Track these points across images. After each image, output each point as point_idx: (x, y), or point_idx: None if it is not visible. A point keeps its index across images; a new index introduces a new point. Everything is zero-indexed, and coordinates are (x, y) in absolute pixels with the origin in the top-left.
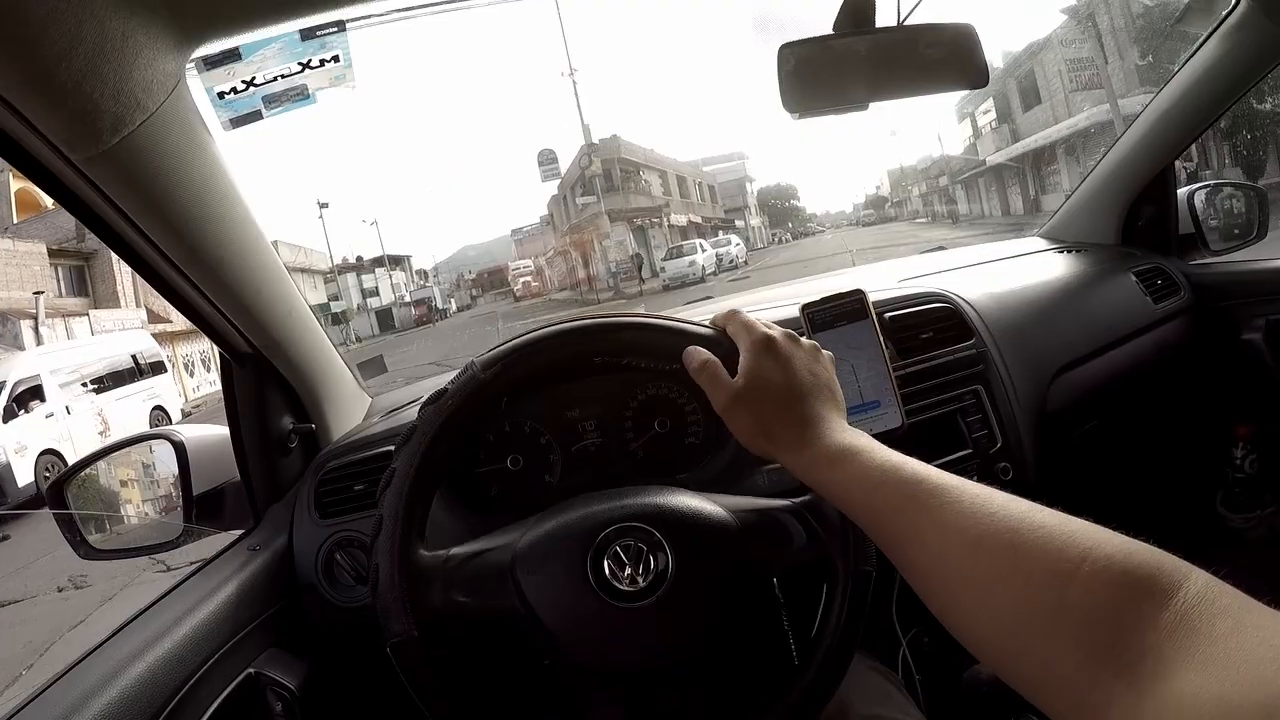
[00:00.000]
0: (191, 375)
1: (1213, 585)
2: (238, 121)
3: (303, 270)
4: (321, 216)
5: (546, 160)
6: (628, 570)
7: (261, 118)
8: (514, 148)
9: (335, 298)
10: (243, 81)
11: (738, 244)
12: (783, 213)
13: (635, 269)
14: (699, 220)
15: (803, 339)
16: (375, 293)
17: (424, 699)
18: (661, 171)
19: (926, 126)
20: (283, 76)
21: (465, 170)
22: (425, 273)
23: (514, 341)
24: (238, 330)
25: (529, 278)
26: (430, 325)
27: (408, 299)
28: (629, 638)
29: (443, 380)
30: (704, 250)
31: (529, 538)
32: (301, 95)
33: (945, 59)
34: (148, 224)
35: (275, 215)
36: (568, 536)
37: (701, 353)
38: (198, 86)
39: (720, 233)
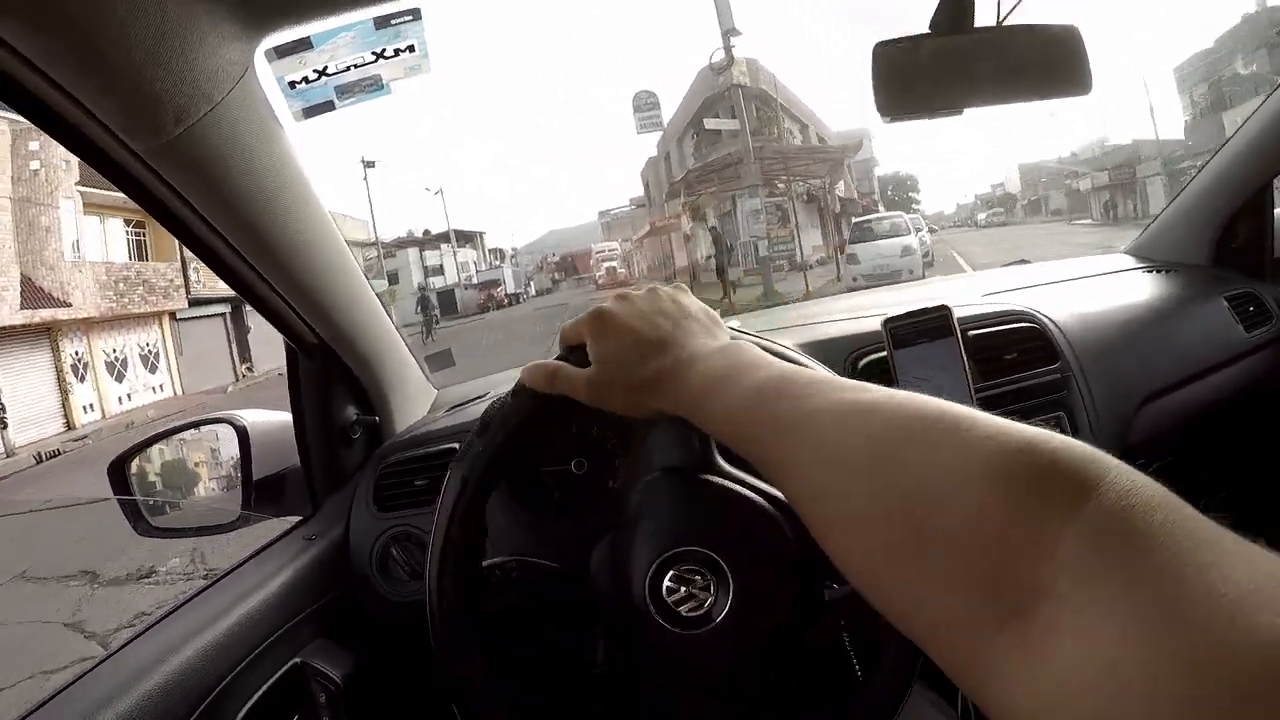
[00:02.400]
0: (119, 379)
1: (1140, 488)
2: (310, 112)
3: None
4: (366, 177)
5: (645, 104)
6: (685, 591)
7: (334, 108)
8: (607, 119)
9: (375, 274)
10: (314, 71)
11: (921, 228)
12: (900, 206)
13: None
14: (855, 196)
15: (646, 289)
16: (439, 270)
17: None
18: (804, 125)
19: (1100, 106)
20: (356, 66)
21: (552, 145)
22: (501, 252)
23: None
24: (304, 321)
25: (614, 263)
26: (496, 312)
27: (474, 280)
28: (683, 663)
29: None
30: (913, 229)
31: (595, 556)
32: (375, 86)
33: (1047, 64)
34: (214, 215)
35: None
36: (628, 555)
37: (543, 366)
38: (268, 76)
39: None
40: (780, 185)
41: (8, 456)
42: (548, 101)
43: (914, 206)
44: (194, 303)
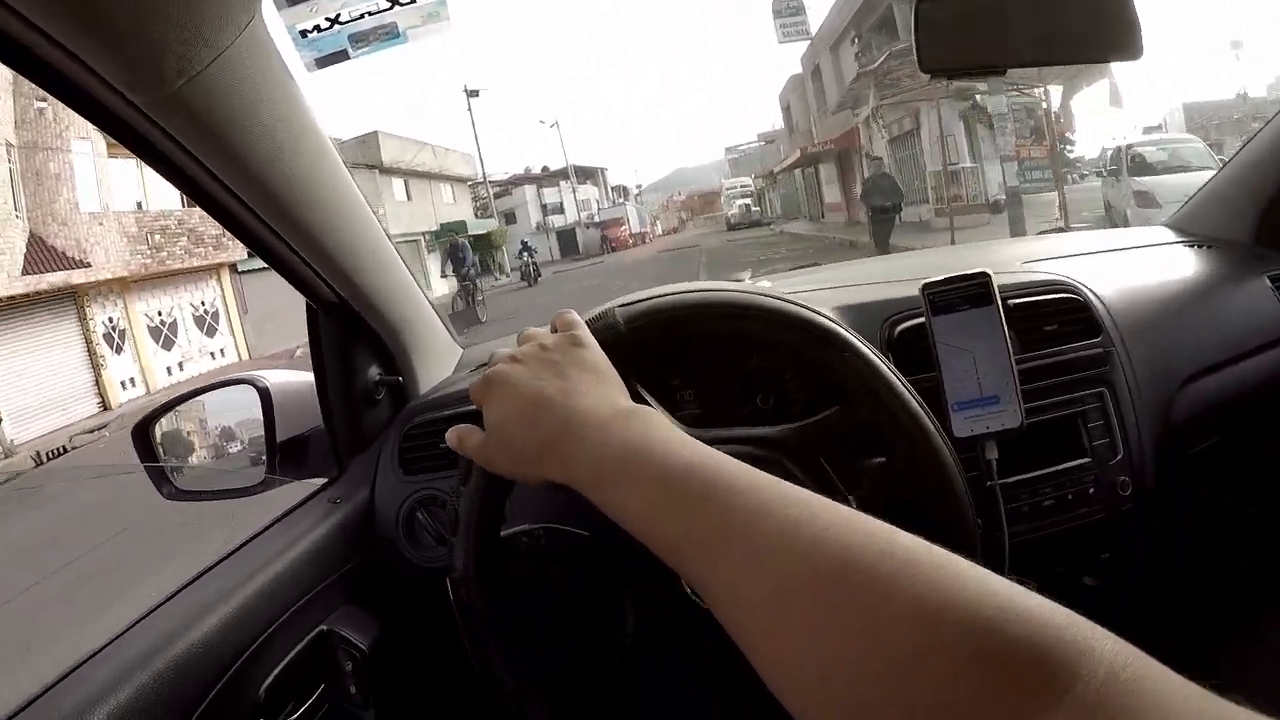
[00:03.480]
0: (167, 347)
1: (1126, 663)
2: (323, 61)
3: (440, 178)
4: (470, 108)
5: (788, 8)
6: None
7: (349, 58)
8: (736, 45)
9: (484, 212)
10: (326, 19)
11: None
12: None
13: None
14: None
15: (535, 340)
16: (559, 209)
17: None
18: None
19: None
20: (370, 14)
21: (677, 79)
22: (624, 189)
23: (662, 298)
24: (322, 279)
25: (747, 200)
26: (617, 254)
27: (596, 218)
28: (709, 631)
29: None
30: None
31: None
32: (391, 34)
33: (1095, 25)
34: (222, 169)
35: (419, 112)
36: None
37: (455, 430)
38: (278, 25)
39: None
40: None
41: (5, 457)
42: (671, 28)
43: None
44: None
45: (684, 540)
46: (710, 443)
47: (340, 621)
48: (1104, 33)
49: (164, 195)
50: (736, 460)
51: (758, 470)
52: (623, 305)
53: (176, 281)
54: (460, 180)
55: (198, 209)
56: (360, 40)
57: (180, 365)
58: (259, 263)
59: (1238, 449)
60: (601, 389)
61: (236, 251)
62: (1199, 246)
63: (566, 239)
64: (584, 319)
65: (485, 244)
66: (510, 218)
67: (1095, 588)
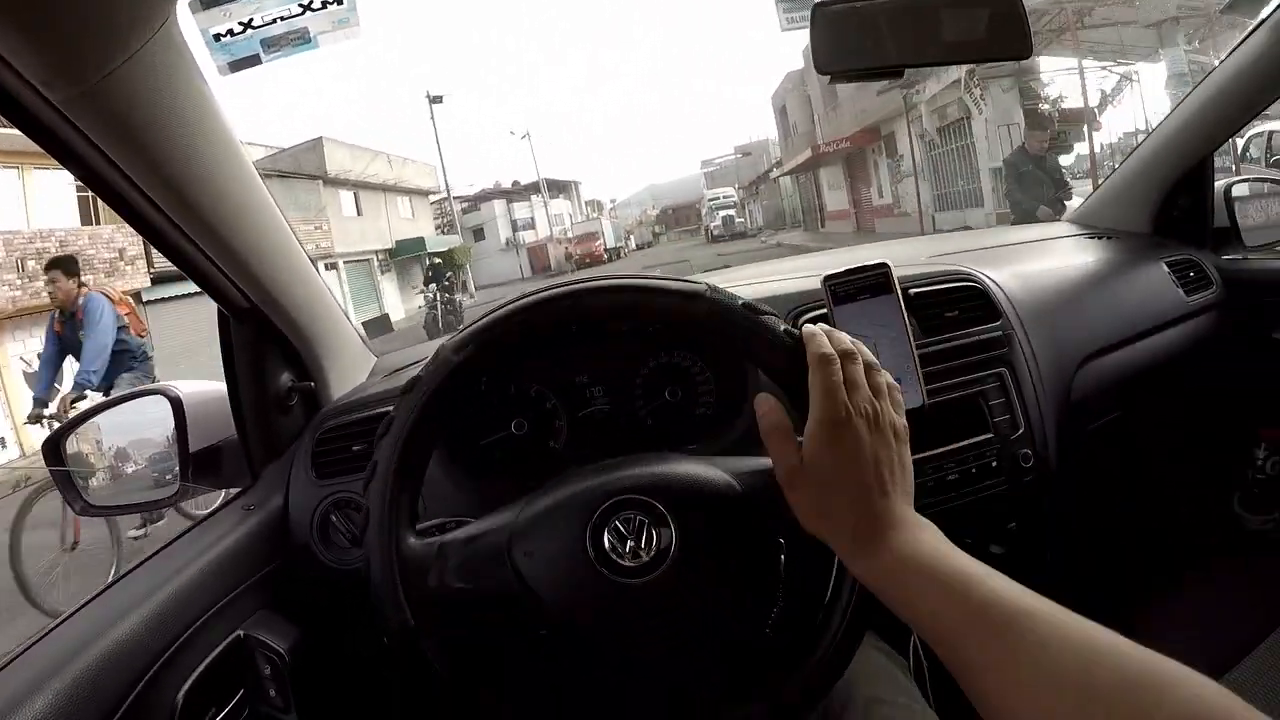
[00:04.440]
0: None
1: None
2: (236, 65)
3: (396, 190)
4: (433, 117)
5: None
6: (629, 545)
7: (260, 62)
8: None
9: (445, 227)
10: (239, 23)
11: None
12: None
13: None
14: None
15: (883, 414)
16: (530, 224)
17: (431, 684)
18: None
19: None
20: (282, 19)
21: (648, 93)
22: (598, 204)
23: (483, 320)
24: (234, 284)
25: (730, 211)
26: (592, 269)
27: (569, 233)
28: (631, 614)
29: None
30: None
31: (525, 515)
32: (302, 39)
33: (986, 27)
34: (133, 169)
35: (377, 120)
36: (566, 511)
37: (774, 411)
38: (192, 28)
39: None
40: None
41: None
42: (645, 39)
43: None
44: (172, 278)
45: (962, 637)
46: None
47: (258, 626)
48: (995, 32)
49: (49, 211)
50: (1010, 581)
51: (1031, 593)
52: (450, 338)
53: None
54: (420, 193)
55: (86, 229)
56: (272, 45)
57: (69, 415)
58: (168, 290)
59: (1137, 422)
60: (910, 497)
61: (138, 278)
62: (1100, 238)
63: (537, 256)
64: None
65: (447, 263)
66: (479, 234)
67: (1002, 555)
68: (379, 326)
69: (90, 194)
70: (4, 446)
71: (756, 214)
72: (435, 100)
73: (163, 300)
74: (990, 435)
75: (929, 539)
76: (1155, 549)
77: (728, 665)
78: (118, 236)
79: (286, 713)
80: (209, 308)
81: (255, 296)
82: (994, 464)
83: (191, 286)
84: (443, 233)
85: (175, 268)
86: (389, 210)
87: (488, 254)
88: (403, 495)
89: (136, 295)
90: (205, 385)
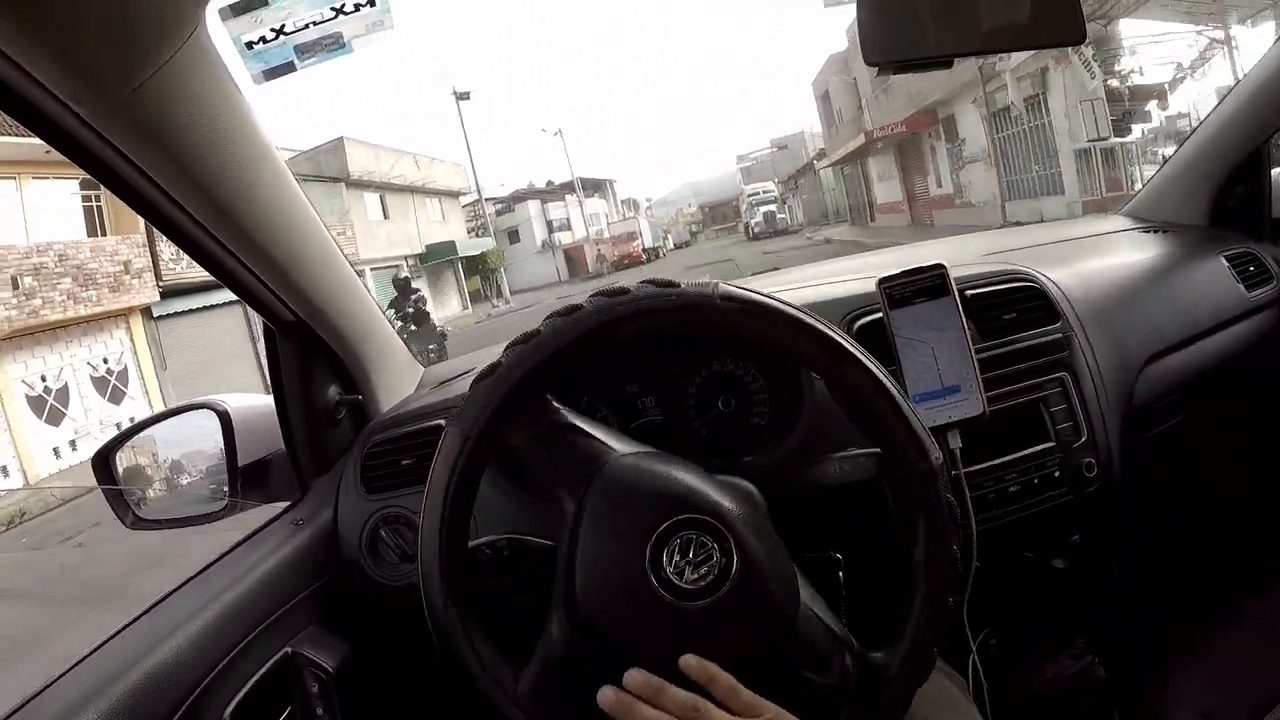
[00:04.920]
0: (55, 421)
1: None
2: (271, 74)
3: (424, 191)
4: (460, 114)
5: None
6: (689, 566)
7: (295, 69)
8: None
9: (482, 230)
10: (271, 30)
11: None
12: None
13: None
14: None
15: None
16: (566, 225)
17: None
18: None
19: None
20: (315, 24)
21: (685, 85)
22: (634, 202)
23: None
24: (278, 298)
25: (771, 207)
26: (630, 270)
27: (606, 234)
28: (683, 635)
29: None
30: None
31: (628, 460)
32: (336, 44)
33: (1037, 12)
34: (169, 182)
35: (401, 119)
36: (631, 518)
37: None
38: (224, 36)
39: None
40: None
41: None
42: (677, 34)
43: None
44: (183, 290)
45: None
46: None
47: (306, 643)
48: (1047, 20)
49: (51, 223)
50: None
51: None
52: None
53: (65, 335)
54: (450, 194)
55: (89, 241)
56: (306, 51)
57: (73, 444)
58: (180, 304)
59: (1202, 426)
60: None
61: (145, 292)
62: (1155, 232)
63: (575, 258)
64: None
65: (480, 266)
66: (514, 236)
67: (1065, 570)
68: (426, 337)
69: (95, 204)
70: (6, 475)
71: (797, 209)
72: (462, 97)
73: (174, 315)
74: (1052, 444)
75: None
76: (1220, 562)
77: (785, 694)
78: (122, 248)
79: None
80: (221, 322)
81: (300, 309)
82: (1057, 474)
83: (203, 300)
84: (476, 235)
85: (185, 281)
86: (417, 213)
87: (524, 256)
88: (465, 486)
89: (147, 310)
90: (253, 399)
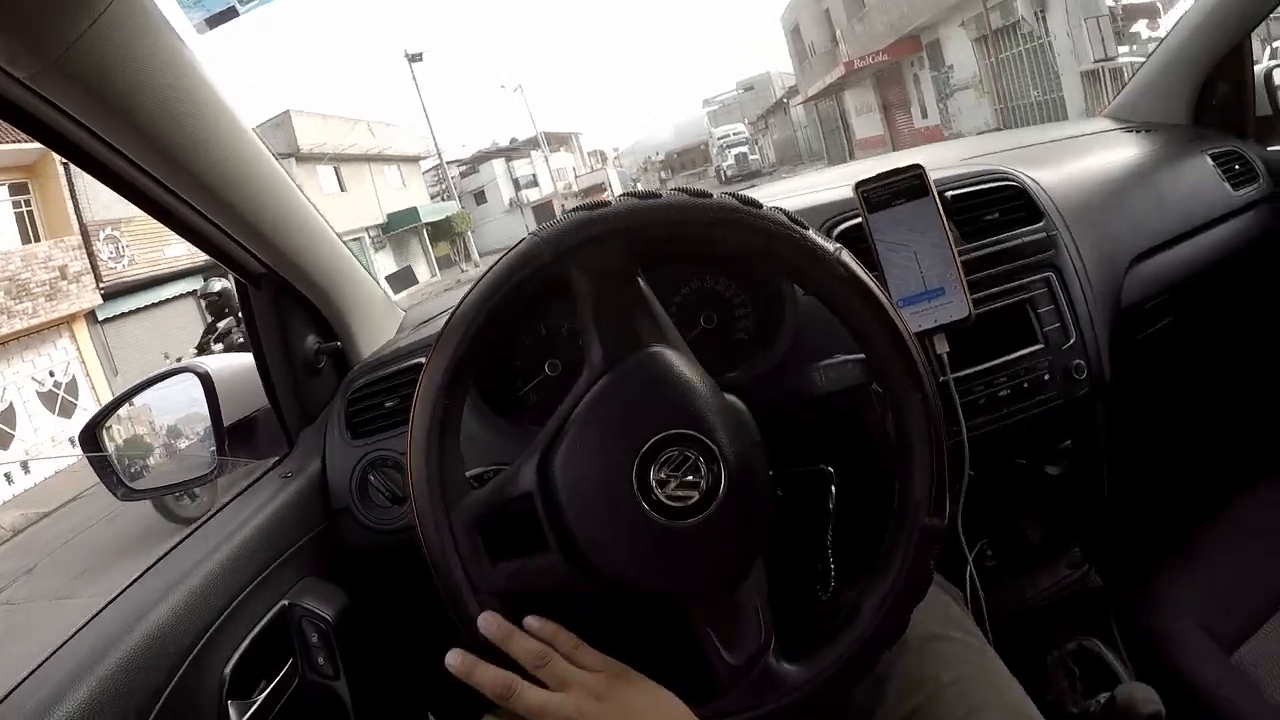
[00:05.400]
0: (3, 445)
1: None
2: (213, 21)
3: (381, 159)
4: (414, 77)
5: None
6: (676, 484)
7: (237, 14)
8: None
9: (446, 194)
10: None
11: None
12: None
13: None
14: None
15: (578, 688)
16: (534, 182)
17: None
18: None
19: None
20: None
21: (645, 29)
22: (602, 154)
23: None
24: (246, 249)
25: (743, 148)
26: None
27: (575, 187)
28: (671, 555)
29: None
30: None
31: (568, 440)
32: None
33: None
34: (120, 140)
35: (352, 88)
36: (608, 439)
37: (499, 677)
38: None
39: None
40: None
41: None
42: None
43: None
44: (128, 290)
45: None
46: None
47: (303, 594)
48: None
49: None
50: None
51: None
52: (544, 229)
53: (4, 353)
54: (409, 160)
55: (21, 249)
56: None
57: (25, 465)
58: (126, 304)
59: (1191, 328)
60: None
61: (86, 296)
62: (1138, 131)
63: (544, 215)
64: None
65: (445, 231)
66: (480, 197)
67: (1058, 477)
68: (402, 280)
69: (26, 209)
70: None
71: (768, 150)
72: (415, 58)
73: (120, 317)
74: (1041, 345)
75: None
76: (1214, 466)
77: (772, 619)
78: (56, 253)
79: (336, 679)
80: (173, 318)
81: (269, 260)
82: (1046, 377)
83: (149, 297)
84: (442, 199)
85: (127, 280)
86: (376, 182)
87: (491, 217)
88: (452, 406)
89: (91, 315)
90: (233, 358)
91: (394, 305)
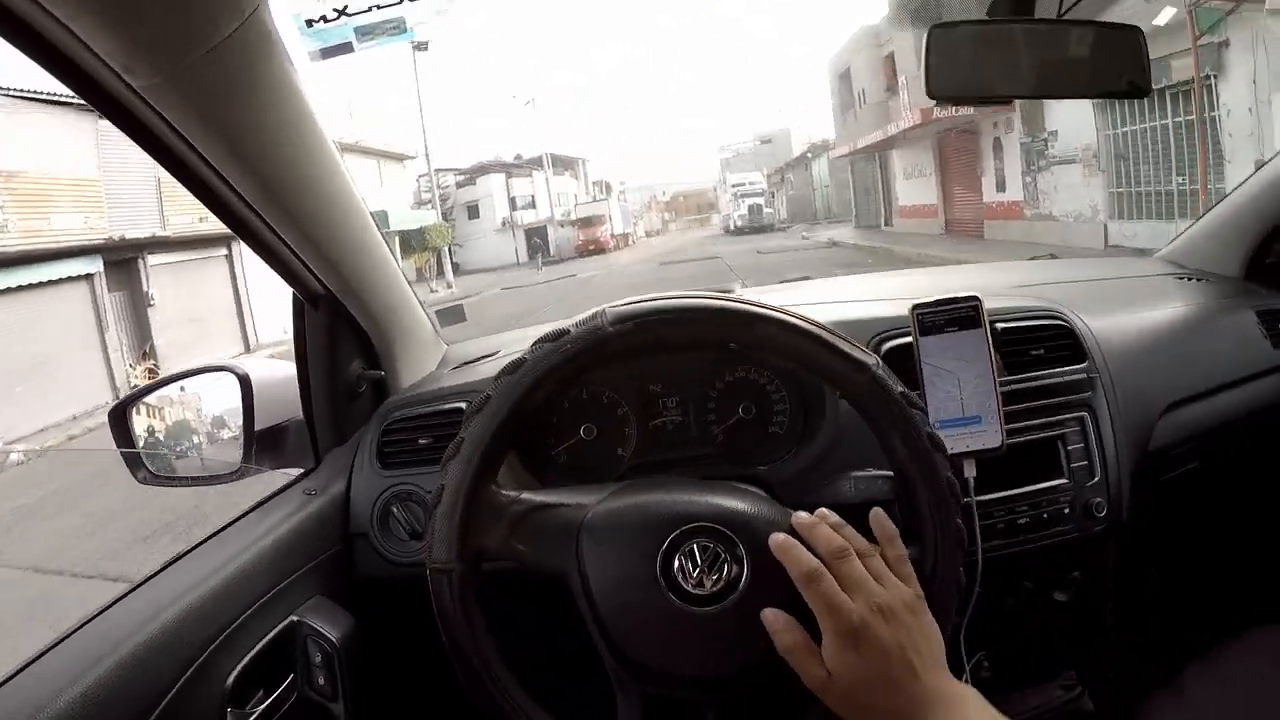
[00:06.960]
0: None
1: None
2: (328, 53)
3: (358, 151)
4: (415, 64)
5: None
6: (698, 573)
7: (353, 50)
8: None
9: (422, 201)
10: (334, 10)
11: None
12: None
13: None
14: None
15: (892, 600)
16: (531, 204)
17: (447, 632)
18: None
19: None
20: (378, 7)
21: (670, 68)
22: (606, 185)
23: (653, 301)
24: (310, 270)
25: (757, 199)
26: (597, 256)
27: (574, 214)
28: (688, 640)
29: (527, 335)
30: None
31: (604, 507)
32: (398, 29)
33: (1105, 62)
34: (216, 156)
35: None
36: (644, 519)
37: (789, 628)
38: (283, 12)
39: None
40: None
41: None
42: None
43: None
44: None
45: None
46: None
47: (311, 612)
48: (1112, 70)
49: None
50: None
51: None
52: (613, 306)
53: None
54: (392, 157)
55: None
56: (366, 33)
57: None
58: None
59: (1214, 475)
60: (941, 662)
61: None
62: (1190, 279)
63: (536, 238)
64: (574, 323)
65: (418, 244)
66: (473, 211)
67: (1065, 603)
68: (452, 316)
69: None
70: None
71: (781, 206)
72: (420, 46)
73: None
74: (1065, 480)
75: (973, 713)
76: (1218, 609)
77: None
78: None
79: (334, 701)
80: (59, 305)
81: (332, 284)
82: (1066, 510)
83: (27, 275)
84: (432, 208)
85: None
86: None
87: (482, 234)
88: (500, 438)
89: None
90: (274, 365)
91: (439, 339)
